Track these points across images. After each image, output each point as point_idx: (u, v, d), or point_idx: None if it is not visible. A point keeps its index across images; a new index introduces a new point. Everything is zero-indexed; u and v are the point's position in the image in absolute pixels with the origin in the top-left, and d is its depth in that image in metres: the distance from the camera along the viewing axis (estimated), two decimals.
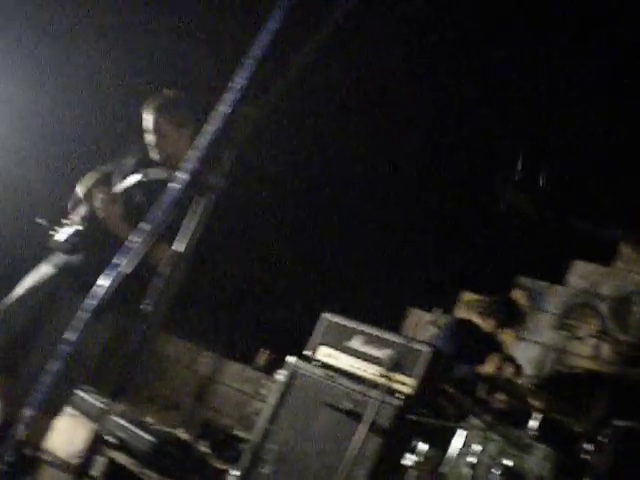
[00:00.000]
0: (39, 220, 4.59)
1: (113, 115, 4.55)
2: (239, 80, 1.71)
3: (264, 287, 6.88)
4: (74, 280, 4.31)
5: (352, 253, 7.22)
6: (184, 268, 1.75)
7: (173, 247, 1.76)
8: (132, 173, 4.62)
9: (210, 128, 1.71)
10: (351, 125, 7.19)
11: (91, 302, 1.78)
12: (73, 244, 4.40)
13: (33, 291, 4.38)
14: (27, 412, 1.87)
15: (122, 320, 4.26)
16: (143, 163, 4.65)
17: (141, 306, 1.76)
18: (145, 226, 1.72)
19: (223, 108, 1.72)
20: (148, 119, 4.54)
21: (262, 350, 6.87)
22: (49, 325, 4.26)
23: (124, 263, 1.71)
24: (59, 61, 7.70)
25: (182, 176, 1.72)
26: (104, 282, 1.77)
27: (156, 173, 4.53)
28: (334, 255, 7.26)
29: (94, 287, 1.81)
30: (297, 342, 5.66)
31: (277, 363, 6.59)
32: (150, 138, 4.55)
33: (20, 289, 4.41)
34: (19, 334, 4.30)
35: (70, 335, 1.75)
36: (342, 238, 7.25)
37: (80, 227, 4.42)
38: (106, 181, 4.67)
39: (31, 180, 7.94)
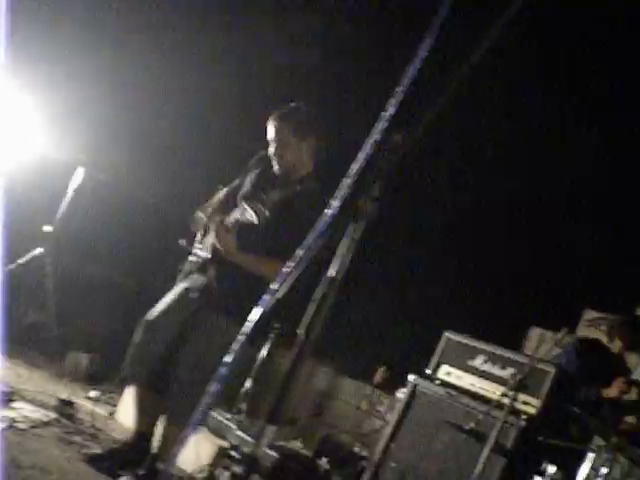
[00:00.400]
0: (181, 242, 4.74)
1: (241, 135, 4.61)
2: (390, 108, 1.73)
3: (383, 305, 6.88)
4: (209, 300, 4.43)
5: (472, 271, 7.16)
6: (336, 293, 1.78)
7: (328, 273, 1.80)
8: (252, 195, 4.64)
9: (361, 155, 1.74)
10: (487, 153, 7.18)
11: (249, 325, 1.82)
12: (203, 268, 4.53)
13: (172, 310, 4.52)
14: (186, 432, 1.90)
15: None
16: (264, 178, 4.66)
17: (297, 331, 1.80)
18: (300, 252, 1.76)
19: (374, 136, 1.74)
20: (271, 128, 4.56)
21: (379, 367, 6.86)
22: (187, 343, 4.38)
23: (279, 288, 1.75)
24: (185, 83, 7.89)
25: (335, 202, 1.75)
26: (260, 307, 1.81)
27: (275, 195, 4.53)
28: (452, 273, 7.21)
29: (253, 312, 1.84)
30: (414, 360, 5.64)
31: (394, 380, 6.58)
32: (272, 148, 4.57)
33: (160, 308, 4.56)
34: (160, 350, 4.44)
35: (229, 358, 1.80)
36: (464, 255, 7.21)
37: (208, 255, 4.52)
38: (224, 207, 4.75)
39: (161, 201, 8.16)
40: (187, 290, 4.56)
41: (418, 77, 1.74)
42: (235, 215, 4.52)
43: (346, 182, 1.76)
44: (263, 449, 5.10)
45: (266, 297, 1.80)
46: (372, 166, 1.76)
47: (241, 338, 1.81)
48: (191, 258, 4.66)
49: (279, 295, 1.75)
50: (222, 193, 4.90)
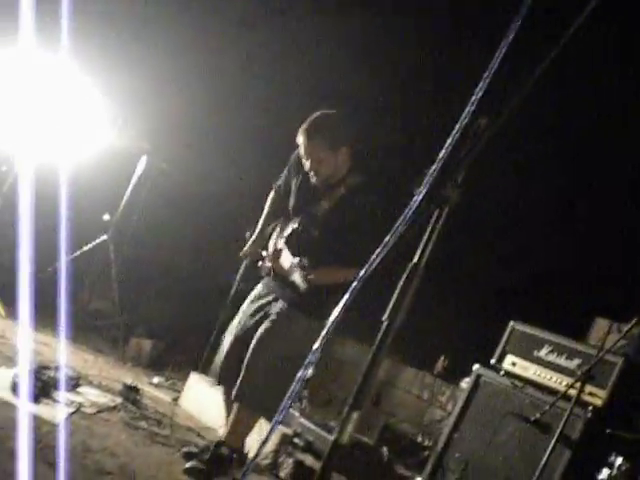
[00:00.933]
0: (248, 235, 4.81)
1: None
2: (477, 92, 1.71)
3: (445, 293, 6.84)
4: (278, 297, 4.51)
5: (536, 261, 7.09)
6: (419, 280, 1.78)
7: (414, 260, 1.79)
8: (300, 211, 4.60)
9: (448, 140, 1.72)
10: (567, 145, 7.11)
11: (335, 315, 1.82)
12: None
13: (250, 309, 4.63)
14: (272, 424, 1.91)
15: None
16: (307, 185, 4.60)
17: (383, 319, 1.80)
18: (387, 238, 1.75)
19: (461, 120, 1.72)
20: (303, 145, 4.43)
21: (440, 356, 6.83)
22: (265, 336, 4.45)
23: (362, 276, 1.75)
24: (251, 74, 7.92)
25: (421, 189, 1.73)
26: (347, 295, 1.81)
27: (325, 206, 4.49)
28: (516, 262, 7.14)
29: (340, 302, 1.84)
30: (475, 349, 5.59)
31: (455, 370, 6.54)
32: (307, 163, 4.47)
33: (240, 315, 4.69)
34: (239, 347, 4.53)
35: (317, 346, 1.80)
36: (528, 245, 7.13)
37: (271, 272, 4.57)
38: (274, 216, 4.79)
39: (224, 189, 8.23)
40: (263, 288, 4.67)
41: (506, 59, 1.71)
42: (282, 256, 4.48)
43: (431, 168, 1.75)
44: (328, 436, 5.12)
45: (354, 284, 1.80)
46: (457, 152, 1.74)
47: (328, 327, 1.82)
48: (261, 263, 4.74)
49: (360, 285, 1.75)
50: (271, 195, 4.91)
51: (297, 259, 4.25)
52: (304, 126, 4.42)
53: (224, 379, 4.60)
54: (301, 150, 4.46)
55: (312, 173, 4.47)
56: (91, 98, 7.03)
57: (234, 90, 7.98)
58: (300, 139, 4.43)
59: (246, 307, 4.67)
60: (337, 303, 1.87)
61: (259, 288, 4.70)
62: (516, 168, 7.29)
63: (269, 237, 4.72)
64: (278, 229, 4.66)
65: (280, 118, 7.50)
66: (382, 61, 7.59)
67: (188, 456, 4.46)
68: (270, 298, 4.56)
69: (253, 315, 4.57)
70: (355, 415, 1.83)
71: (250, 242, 4.81)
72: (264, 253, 4.69)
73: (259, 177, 5.65)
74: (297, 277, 4.18)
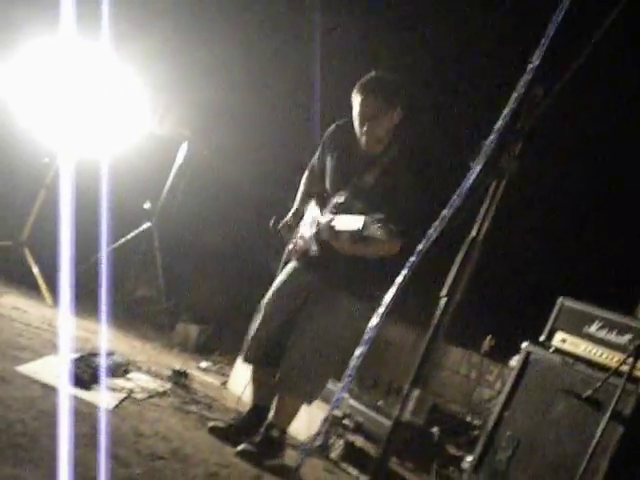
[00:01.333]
0: (272, 222, 4.81)
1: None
2: (534, 61, 1.67)
3: (491, 271, 6.79)
4: (325, 279, 4.47)
5: (584, 237, 7.02)
6: (478, 253, 1.75)
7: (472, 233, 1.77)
8: (344, 184, 4.47)
9: (505, 111, 1.68)
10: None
11: (388, 296, 1.81)
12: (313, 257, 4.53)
13: (285, 290, 4.60)
14: (339, 396, 1.90)
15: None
16: (347, 157, 4.54)
17: (442, 294, 1.78)
18: (444, 212, 1.72)
19: (518, 90, 1.68)
20: (360, 104, 4.30)
21: (488, 336, 6.78)
22: (303, 318, 4.44)
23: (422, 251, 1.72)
24: (288, 65, 7.90)
25: (478, 161, 1.70)
26: (401, 274, 1.80)
27: (370, 178, 4.38)
28: (566, 239, 7.08)
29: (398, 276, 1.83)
30: (522, 328, 5.55)
31: (501, 349, 6.50)
32: (360, 122, 4.33)
33: (274, 289, 4.65)
34: (275, 329, 4.53)
35: (374, 323, 1.79)
36: (572, 222, 7.07)
37: (314, 249, 4.50)
38: (311, 187, 4.74)
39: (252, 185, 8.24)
40: (299, 270, 4.62)
41: (563, 27, 1.68)
42: (339, 222, 4.26)
43: (488, 140, 1.71)
44: (378, 417, 5.12)
45: (412, 259, 1.78)
46: (514, 123, 1.70)
47: (387, 304, 1.80)
48: (291, 246, 4.71)
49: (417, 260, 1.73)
50: (305, 175, 4.86)
51: (368, 216, 4.01)
52: (361, 82, 4.32)
53: (258, 359, 4.60)
54: (355, 109, 4.34)
55: (364, 136, 4.34)
56: (132, 87, 7.04)
57: (274, 75, 7.97)
58: (357, 97, 4.32)
59: (283, 285, 4.61)
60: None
61: (296, 267, 4.65)
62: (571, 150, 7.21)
63: (300, 219, 4.68)
64: (313, 210, 4.60)
65: (321, 111, 7.49)
66: (429, 33, 7.52)
67: (214, 431, 4.50)
68: (311, 280, 4.53)
69: (294, 297, 4.54)
70: (416, 393, 1.81)
71: (288, 217, 4.77)
72: (296, 238, 4.66)
73: (299, 162, 5.64)
74: (375, 230, 3.97)
